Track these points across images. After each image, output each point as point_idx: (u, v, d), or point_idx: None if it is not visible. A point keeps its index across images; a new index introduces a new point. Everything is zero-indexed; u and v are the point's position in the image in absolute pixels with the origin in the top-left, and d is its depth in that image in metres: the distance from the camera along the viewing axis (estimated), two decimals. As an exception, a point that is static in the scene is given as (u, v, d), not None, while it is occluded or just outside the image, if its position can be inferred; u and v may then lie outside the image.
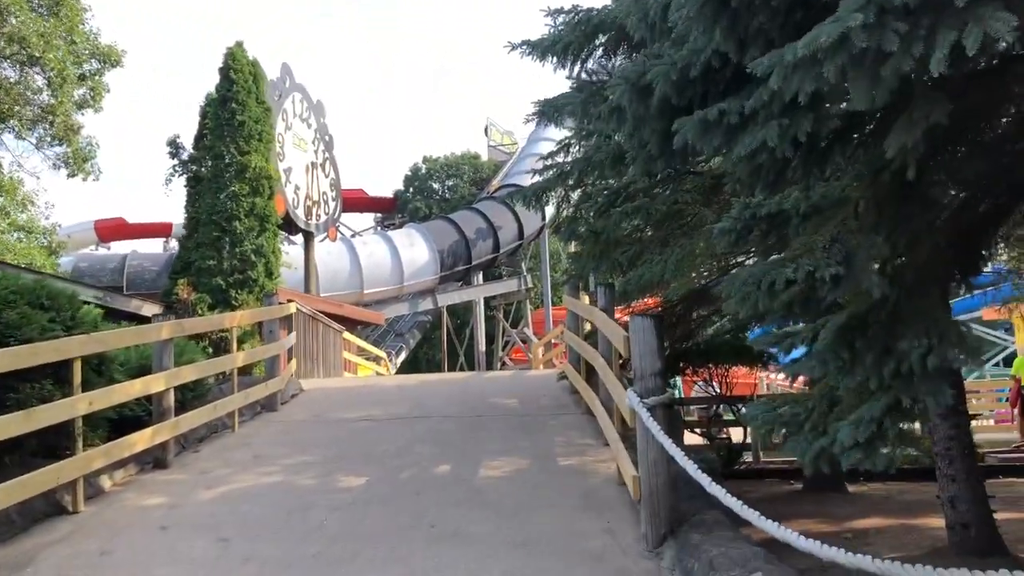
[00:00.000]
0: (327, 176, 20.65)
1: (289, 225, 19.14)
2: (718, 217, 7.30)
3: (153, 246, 45.05)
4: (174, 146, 13.09)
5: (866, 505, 9.38)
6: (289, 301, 13.23)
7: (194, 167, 12.78)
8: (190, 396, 8.88)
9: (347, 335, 17.38)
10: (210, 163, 12.51)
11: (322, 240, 29.75)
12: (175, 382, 7.69)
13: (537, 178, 11.06)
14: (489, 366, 38.19)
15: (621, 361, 11.23)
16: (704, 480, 4.24)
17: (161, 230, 47.76)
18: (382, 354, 21.59)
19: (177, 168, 13.07)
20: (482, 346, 39.77)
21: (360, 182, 75.22)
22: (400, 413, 9.95)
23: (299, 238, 22.41)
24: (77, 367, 6.17)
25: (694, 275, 7.11)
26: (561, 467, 7.37)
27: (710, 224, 7.38)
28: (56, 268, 15.77)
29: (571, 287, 11.34)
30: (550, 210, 36.58)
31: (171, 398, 7.68)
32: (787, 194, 4.92)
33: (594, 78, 11.05)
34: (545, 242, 37.91)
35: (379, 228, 44.28)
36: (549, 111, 11.33)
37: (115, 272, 28.59)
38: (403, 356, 34.18)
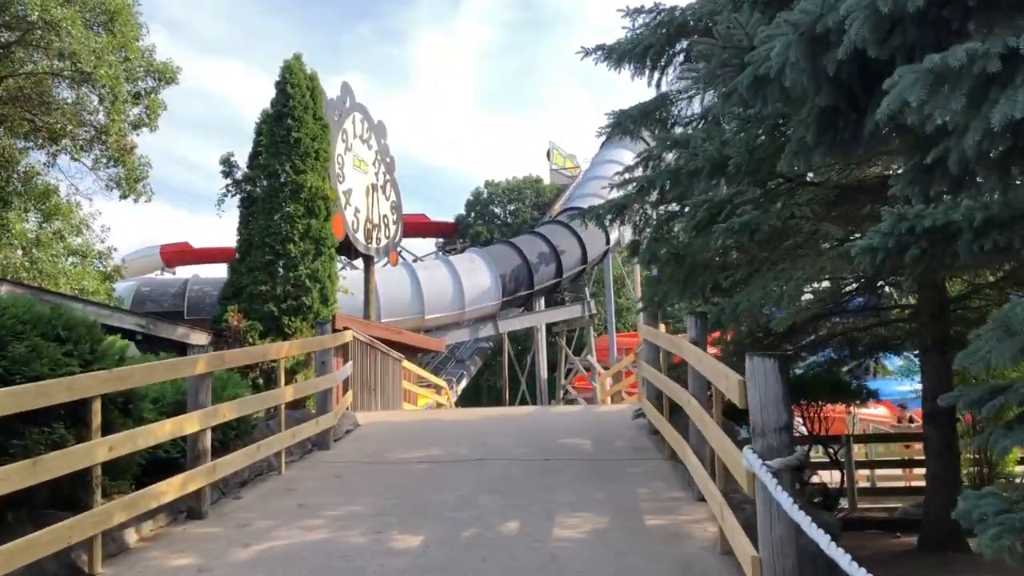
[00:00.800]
0: (388, 199, 19.98)
1: (348, 249, 18.48)
2: (846, 234, 6.24)
3: (219, 271, 45.30)
4: (227, 164, 12.47)
5: (995, 571, 8.04)
6: (345, 329, 12.46)
7: (248, 187, 12.11)
8: (232, 435, 8.06)
9: (406, 363, 16.55)
10: (264, 182, 11.83)
11: (383, 265, 29.27)
12: (212, 422, 6.85)
13: (615, 194, 10.08)
14: (551, 395, 37.08)
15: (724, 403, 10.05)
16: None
17: (226, 255, 48.01)
18: (442, 383, 20.75)
19: (230, 188, 12.45)
20: (544, 373, 38.69)
21: (422, 207, 75.23)
22: (461, 454, 8.98)
23: (359, 262, 21.82)
24: (96, 407, 5.35)
25: (804, 302, 6.00)
26: (648, 527, 6.28)
27: (831, 242, 6.28)
28: (111, 294, 15.29)
29: (648, 315, 10.26)
30: (614, 234, 35.57)
31: (207, 440, 6.84)
32: (954, 204, 3.82)
33: (675, 87, 10.07)
34: (609, 267, 36.80)
35: (440, 253, 43.70)
36: (625, 122, 10.37)
37: (176, 297, 28.38)
38: (464, 384, 33.31)
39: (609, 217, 9.64)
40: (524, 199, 48.53)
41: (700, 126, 8.38)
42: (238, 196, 12.33)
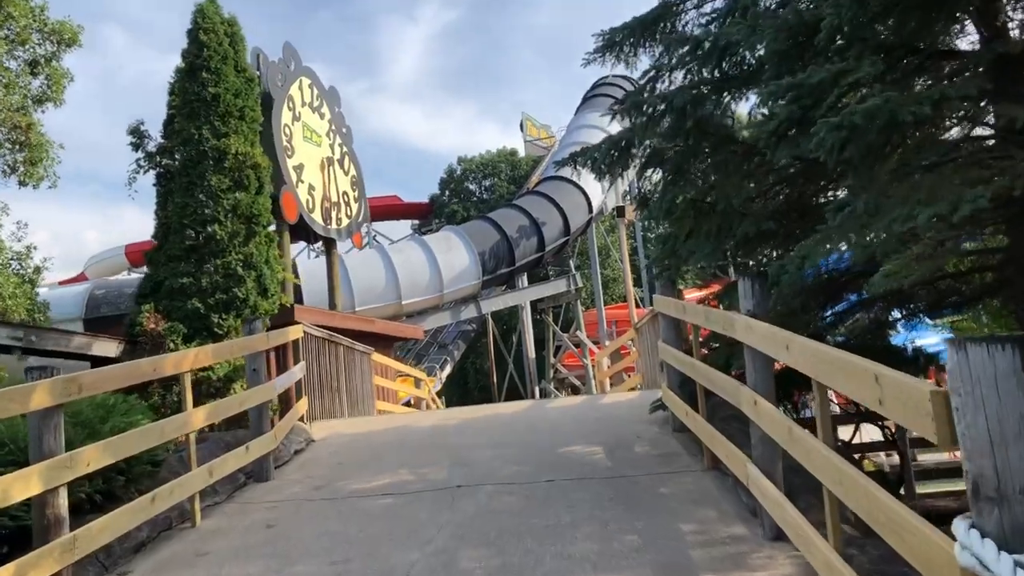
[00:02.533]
0: (347, 174, 17.65)
1: (305, 232, 16.19)
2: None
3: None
4: (137, 135, 10.05)
5: None
6: (295, 323, 10.23)
7: (163, 160, 9.79)
8: (121, 481, 5.86)
9: (377, 357, 14.33)
10: (180, 152, 9.53)
11: (349, 251, 26.95)
12: (66, 476, 4.65)
13: (614, 127, 7.95)
14: (541, 375, 35.00)
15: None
16: None
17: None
18: (422, 374, 18.54)
19: (142, 163, 10.09)
20: (532, 353, 36.57)
21: (395, 191, 72.62)
22: (438, 480, 6.81)
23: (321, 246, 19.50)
24: None
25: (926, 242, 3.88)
26: (713, 596, 4.17)
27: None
28: (32, 299, 12.91)
29: (664, 282, 8.12)
30: (596, 196, 33.33)
31: (61, 503, 4.64)
32: None
33: None
34: (592, 237, 34.65)
35: (416, 235, 41.39)
36: (621, 40, 8.16)
37: (133, 299, 25.80)
38: (448, 370, 31.18)
39: (607, 159, 7.46)
40: (499, 173, 46.21)
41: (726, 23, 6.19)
42: (153, 172, 9.98)
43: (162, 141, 10.06)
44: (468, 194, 46.08)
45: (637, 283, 40.56)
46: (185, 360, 6.14)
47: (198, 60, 9.76)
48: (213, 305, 9.21)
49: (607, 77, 41.77)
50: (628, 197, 31.29)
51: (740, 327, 4.86)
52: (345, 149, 17.66)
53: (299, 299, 23.67)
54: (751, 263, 6.88)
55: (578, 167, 7.72)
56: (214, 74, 9.68)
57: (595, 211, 32.69)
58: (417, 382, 16.27)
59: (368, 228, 46.96)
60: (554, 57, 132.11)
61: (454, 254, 27.81)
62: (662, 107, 6.43)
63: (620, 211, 29.86)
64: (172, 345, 8.86)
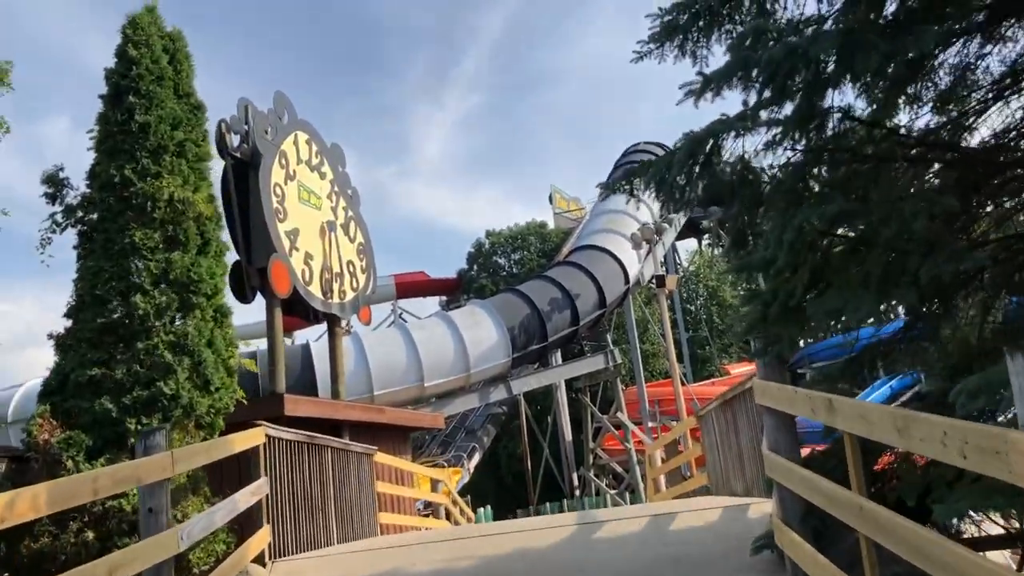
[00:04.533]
0: (353, 240, 15.20)
1: (303, 308, 13.66)
2: None
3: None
4: (54, 184, 7.58)
5: None
6: (254, 424, 7.53)
7: (86, 214, 7.31)
8: None
9: (382, 458, 11.53)
10: (98, 200, 7.07)
11: (347, 330, 24.43)
12: None
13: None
14: (579, 460, 31.79)
15: None
16: None
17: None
18: (441, 473, 15.62)
19: (59, 219, 7.59)
20: (569, 436, 33.50)
21: (423, 267, 70.78)
22: None
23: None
24: None
25: None
26: None
27: None
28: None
29: (771, 360, 5.35)
30: (632, 265, 30.59)
31: None
32: None
33: None
34: (630, 309, 31.82)
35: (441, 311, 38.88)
36: (686, 24, 5.63)
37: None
38: (476, 458, 28.10)
39: (684, 171, 4.78)
40: (529, 247, 43.82)
41: None
42: (75, 229, 7.49)
43: (87, 191, 7.60)
44: (497, 268, 43.66)
45: (678, 358, 37.47)
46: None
47: (124, 81, 7.38)
48: (129, 405, 6.57)
49: (638, 144, 39.67)
50: (678, 261, 28.58)
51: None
52: (351, 213, 15.25)
53: (312, 385, 21.10)
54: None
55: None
56: (144, 98, 7.27)
57: (632, 281, 29.96)
58: (434, 484, 13.43)
59: (394, 306, 44.67)
60: (580, 136, 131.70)
61: (481, 330, 25.14)
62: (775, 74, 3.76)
63: (660, 280, 27.09)
64: (70, 463, 6.20)
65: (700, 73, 4.78)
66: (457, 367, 24.59)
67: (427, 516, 14.39)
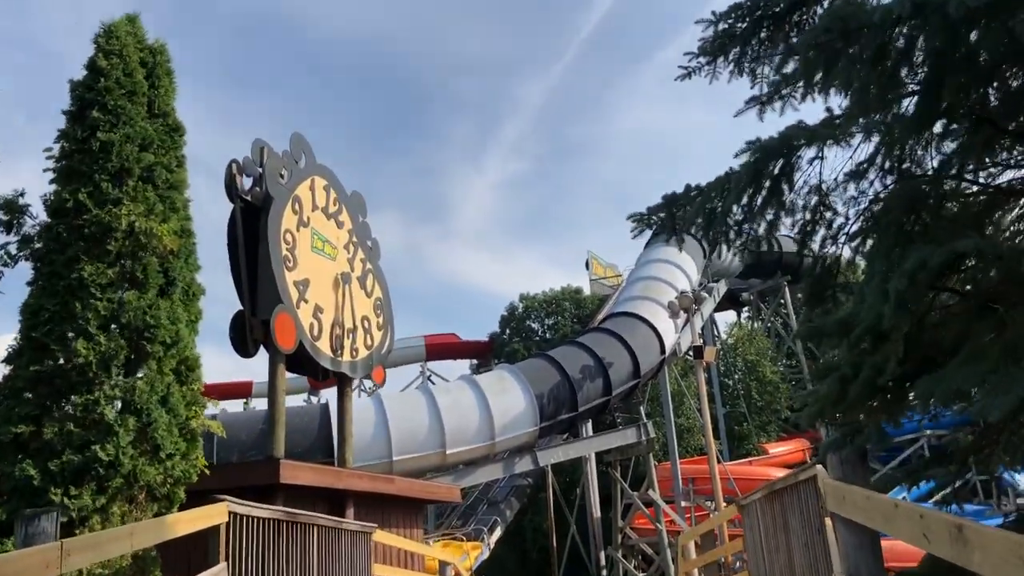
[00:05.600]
0: (370, 295, 14.14)
1: (311, 365, 12.55)
2: None
3: (233, 409, 39.35)
4: (11, 211, 6.62)
5: None
6: (216, 498, 6.33)
7: (41, 245, 6.32)
8: None
9: (382, 536, 10.18)
10: (49, 228, 6.07)
11: (357, 390, 23.24)
12: None
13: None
14: (607, 539, 29.78)
15: None
16: None
17: (239, 391, 42.46)
18: (451, 553, 14.10)
19: (11, 251, 6.57)
20: (597, 512, 31.49)
21: (455, 329, 69.88)
22: None
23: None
24: None
25: None
26: None
27: None
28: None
29: (851, 454, 4.04)
30: (669, 335, 29.14)
31: None
32: None
33: None
34: (666, 381, 30.18)
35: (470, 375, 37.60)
36: (742, 32, 4.51)
37: None
38: (498, 533, 26.35)
39: (740, 206, 3.57)
40: (563, 312, 42.53)
41: None
42: (29, 263, 6.52)
43: (48, 219, 6.61)
44: (530, 333, 42.37)
45: (714, 434, 35.54)
46: None
47: (89, 94, 6.44)
48: (56, 472, 5.41)
49: (678, 211, 38.53)
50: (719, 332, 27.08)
51: None
52: (369, 266, 14.23)
53: (329, 449, 19.88)
54: None
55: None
56: (111, 114, 6.31)
57: (668, 351, 28.45)
58: (443, 568, 11.95)
59: (423, 367, 43.48)
60: (619, 203, 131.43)
61: (509, 397, 23.76)
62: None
63: (698, 351, 25.52)
64: (-24, 543, 5.04)
65: (774, 77, 3.64)
66: (482, 435, 23.17)
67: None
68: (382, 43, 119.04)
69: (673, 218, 3.82)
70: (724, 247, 4.07)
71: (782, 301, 46.83)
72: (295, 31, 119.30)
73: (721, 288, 39.60)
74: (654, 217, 3.98)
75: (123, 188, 6.13)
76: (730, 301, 47.19)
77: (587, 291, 44.34)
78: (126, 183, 6.16)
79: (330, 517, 9.00)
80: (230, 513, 6.43)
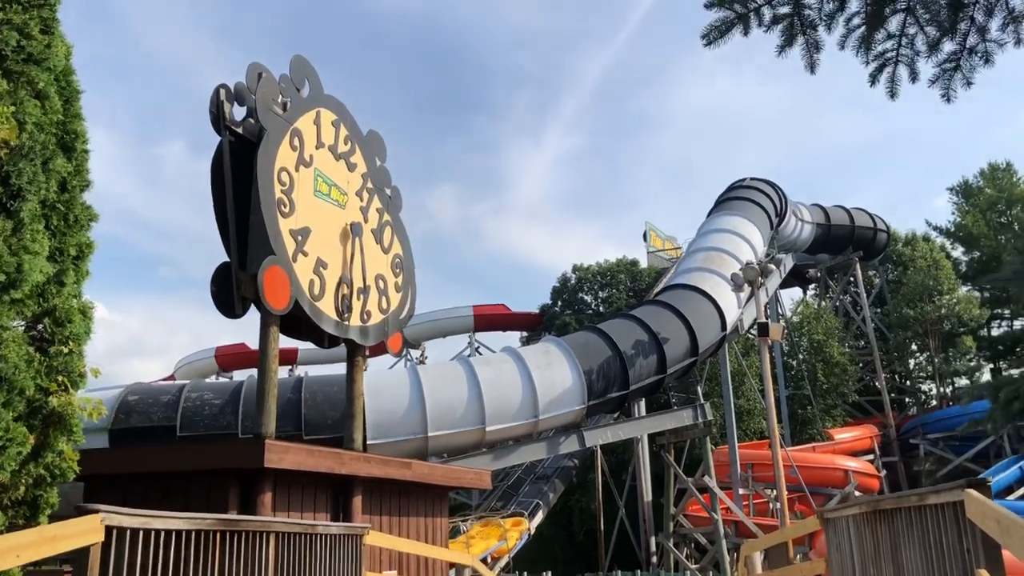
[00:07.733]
0: (387, 251, 12.09)
1: (309, 328, 10.59)
2: None
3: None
4: None
5: None
6: (84, 508, 4.33)
7: None
8: None
9: (373, 537, 8.15)
10: None
11: (404, 360, 21.34)
12: None
13: None
14: (658, 526, 27.60)
15: None
16: None
17: (285, 356, 41.29)
18: (463, 558, 11.89)
19: None
20: (648, 496, 29.34)
21: (506, 301, 67.80)
22: None
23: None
24: None
25: None
26: None
27: None
28: None
29: None
30: (731, 311, 26.60)
31: None
32: None
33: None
34: (725, 358, 27.66)
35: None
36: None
37: (169, 407, 20.28)
38: (540, 517, 24.34)
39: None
40: (618, 284, 40.06)
41: None
42: None
43: None
44: (583, 305, 40.05)
45: (777, 417, 32.88)
46: None
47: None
48: None
49: (744, 180, 35.67)
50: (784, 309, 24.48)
51: None
52: (387, 217, 12.15)
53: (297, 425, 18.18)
54: None
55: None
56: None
57: (729, 328, 25.90)
58: (458, 572, 9.90)
59: (471, 338, 41.61)
60: (678, 180, 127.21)
61: (554, 371, 21.60)
62: None
63: (763, 328, 22.93)
64: None
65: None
66: (524, 411, 21.09)
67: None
68: (439, 16, 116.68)
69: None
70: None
71: (851, 279, 43.49)
72: (349, 3, 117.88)
73: (788, 262, 36.62)
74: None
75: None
76: (796, 277, 43.99)
77: (644, 263, 41.80)
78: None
79: (300, 522, 7.01)
80: (108, 529, 4.44)
